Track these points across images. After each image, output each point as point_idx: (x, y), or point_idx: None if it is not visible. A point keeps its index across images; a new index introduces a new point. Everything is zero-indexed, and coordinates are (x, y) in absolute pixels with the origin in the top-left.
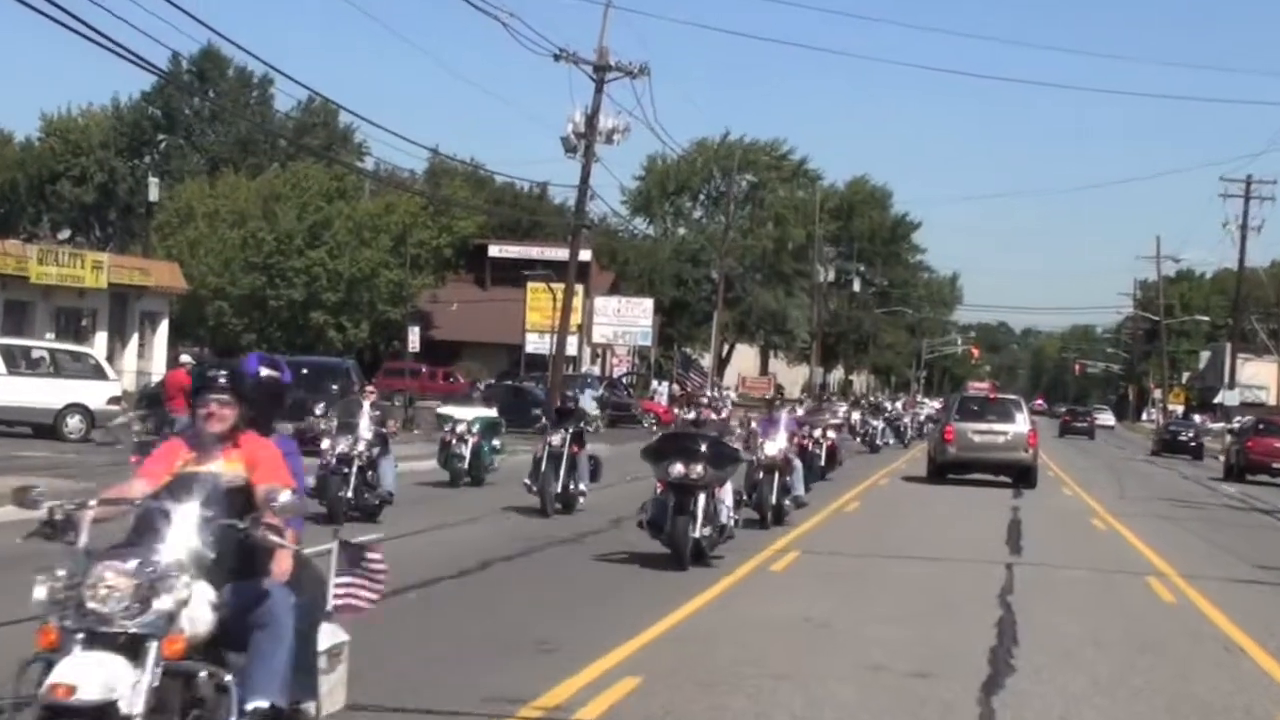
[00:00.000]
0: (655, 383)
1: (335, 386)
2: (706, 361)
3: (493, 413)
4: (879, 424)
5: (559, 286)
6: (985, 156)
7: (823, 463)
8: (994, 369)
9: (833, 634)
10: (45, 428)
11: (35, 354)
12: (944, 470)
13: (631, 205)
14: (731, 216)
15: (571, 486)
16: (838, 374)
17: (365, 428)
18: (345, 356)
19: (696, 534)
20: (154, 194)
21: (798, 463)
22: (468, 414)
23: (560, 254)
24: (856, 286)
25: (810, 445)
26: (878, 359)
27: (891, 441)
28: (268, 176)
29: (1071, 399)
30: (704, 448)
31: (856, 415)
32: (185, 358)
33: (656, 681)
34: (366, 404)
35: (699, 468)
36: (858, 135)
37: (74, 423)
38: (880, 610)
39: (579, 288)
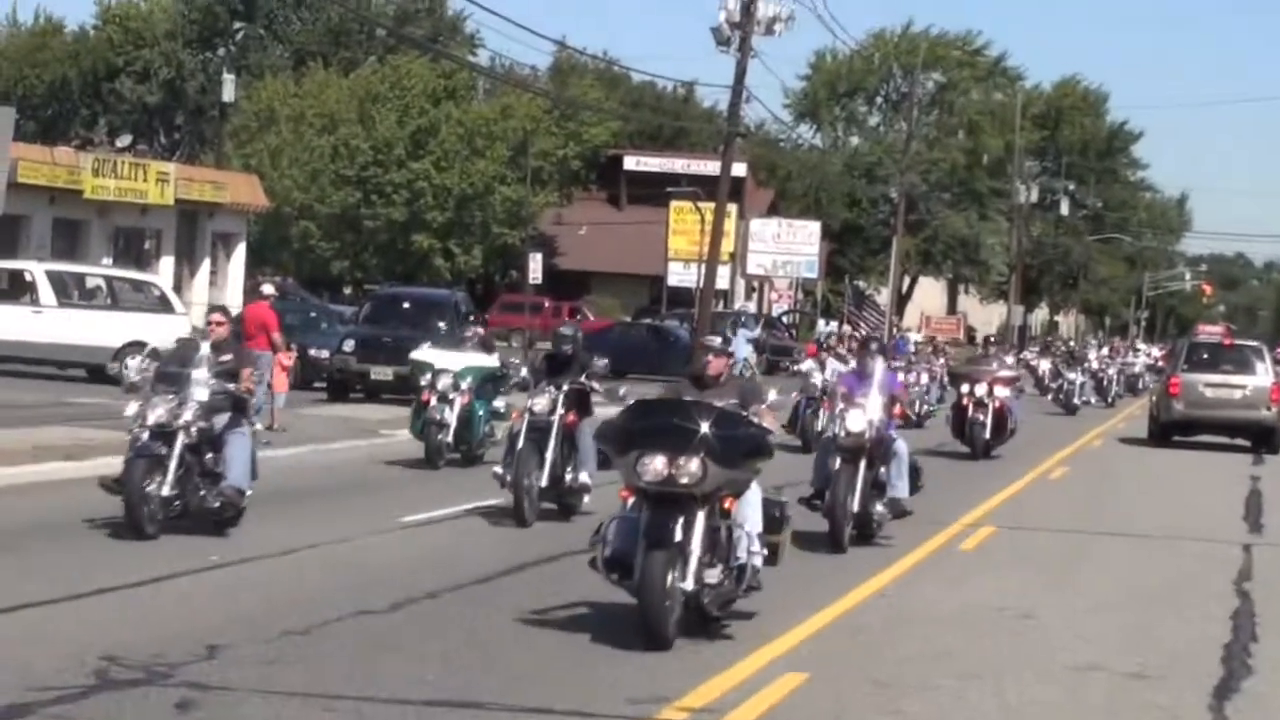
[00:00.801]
0: (822, 322)
1: (442, 323)
2: (884, 297)
3: (491, 361)
4: (1077, 377)
5: (708, 206)
6: (1222, 50)
7: (987, 434)
8: (1230, 309)
9: (1035, 626)
10: (102, 369)
11: (90, 282)
12: (1169, 431)
13: (795, 110)
14: (915, 124)
15: (568, 477)
16: (1041, 314)
17: (200, 383)
18: (454, 287)
19: (687, 584)
20: (229, 93)
21: (900, 445)
22: (453, 362)
23: (710, 167)
24: (1064, 209)
25: (971, 408)
26: (1089, 296)
27: (1093, 400)
28: (363, 73)
29: None
30: (704, 427)
31: (1046, 365)
32: (267, 288)
33: (823, 680)
34: (205, 346)
35: (692, 463)
36: (1067, 26)
37: (135, 364)
38: (1092, 598)
39: (732, 208)
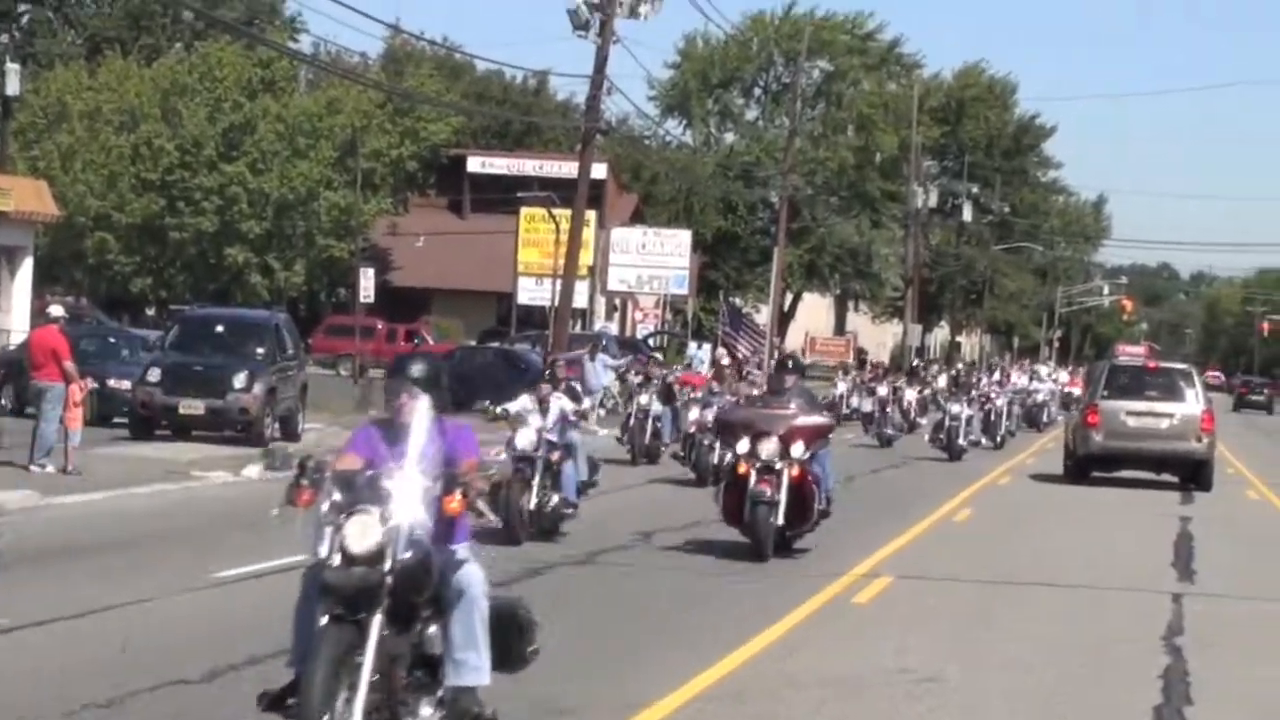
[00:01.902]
0: (693, 345)
1: (260, 349)
2: (763, 316)
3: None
4: (963, 410)
5: (563, 214)
6: (1142, 37)
7: (779, 518)
8: (1153, 327)
9: (941, 690)
10: None
11: None
12: (1087, 466)
13: (662, 103)
14: (798, 118)
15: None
16: (941, 333)
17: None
18: (274, 308)
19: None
20: (13, 85)
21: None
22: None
23: (565, 169)
24: (967, 215)
25: (753, 479)
26: (996, 313)
27: (981, 439)
28: (168, 62)
29: (1259, 368)
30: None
31: (912, 395)
32: (56, 309)
33: None
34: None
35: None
36: (969, 8)
37: None
38: (1005, 657)
39: (590, 215)
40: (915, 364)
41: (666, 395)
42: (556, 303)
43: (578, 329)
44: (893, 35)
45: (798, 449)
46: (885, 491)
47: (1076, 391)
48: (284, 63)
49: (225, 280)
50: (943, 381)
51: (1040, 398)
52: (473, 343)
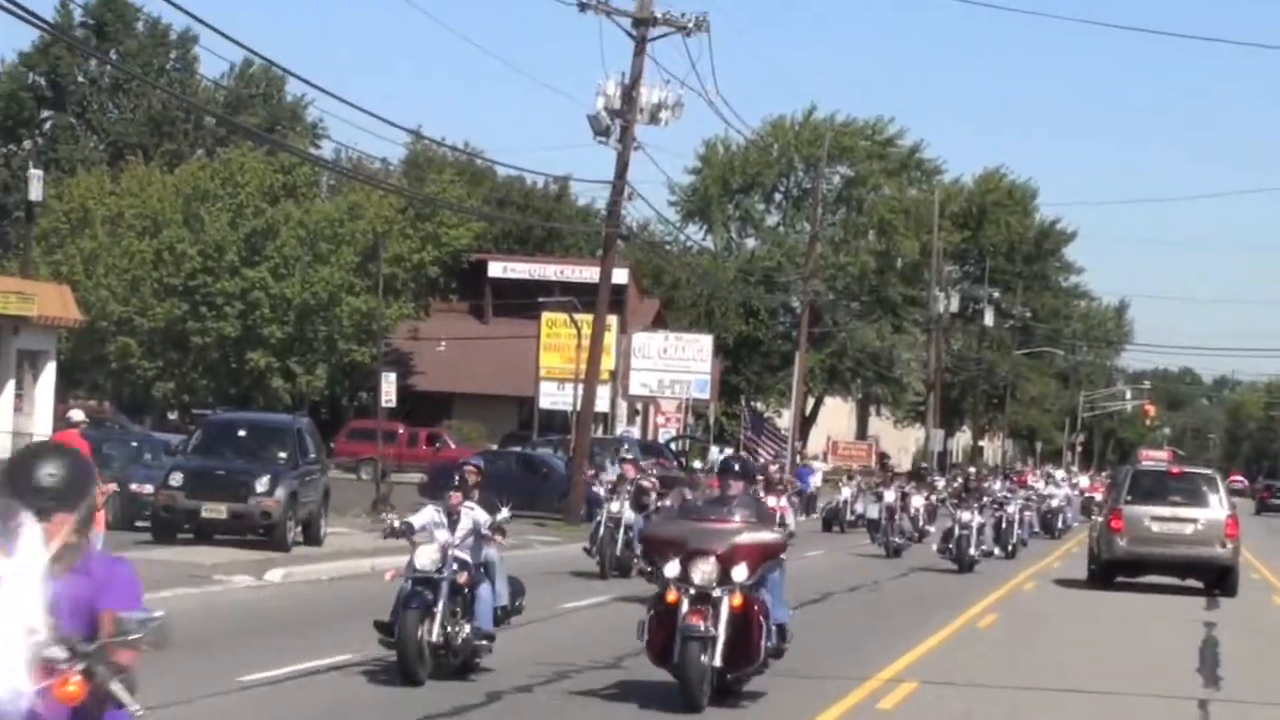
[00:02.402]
0: (715, 449)
1: (282, 453)
2: (785, 420)
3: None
4: (974, 518)
5: (585, 318)
6: (1164, 144)
7: (717, 659)
8: (1176, 432)
9: None
10: None
11: None
12: (1111, 571)
13: (683, 208)
14: (819, 223)
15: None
16: (963, 438)
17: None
18: (296, 412)
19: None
20: (36, 191)
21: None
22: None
23: (587, 274)
24: (989, 319)
25: (686, 610)
26: (1018, 417)
27: (994, 549)
28: (190, 168)
29: None
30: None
31: (918, 501)
32: (76, 414)
33: None
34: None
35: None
36: (990, 114)
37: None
38: None
39: (612, 320)
40: (921, 468)
41: (639, 502)
42: (578, 407)
43: (600, 433)
44: (913, 141)
45: (740, 572)
46: (903, 597)
47: (1098, 497)
48: (306, 168)
49: (247, 384)
50: (948, 484)
51: (1055, 503)
52: (495, 447)
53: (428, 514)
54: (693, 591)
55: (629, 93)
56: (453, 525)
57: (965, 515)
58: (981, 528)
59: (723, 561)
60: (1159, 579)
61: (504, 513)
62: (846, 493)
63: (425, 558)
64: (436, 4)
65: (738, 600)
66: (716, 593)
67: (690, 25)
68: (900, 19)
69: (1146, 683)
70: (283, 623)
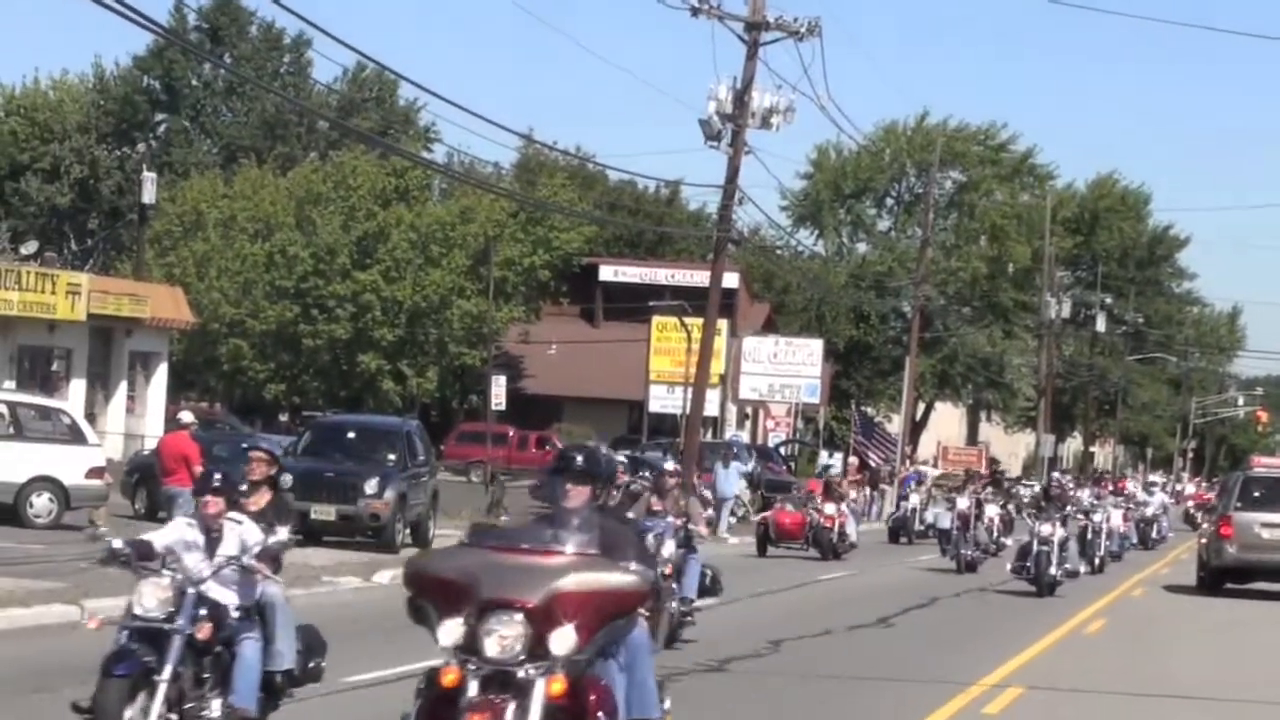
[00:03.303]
0: (825, 454)
1: (392, 455)
2: (895, 425)
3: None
4: (1055, 531)
5: (695, 322)
6: (1276, 145)
7: None
8: None
9: None
10: (3, 508)
11: None
12: (1220, 578)
13: (794, 213)
14: (930, 229)
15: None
16: (1074, 443)
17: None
18: (406, 415)
19: None
20: (149, 194)
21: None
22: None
23: (697, 278)
24: (1101, 325)
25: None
26: (1129, 423)
27: (1080, 568)
28: (302, 171)
29: None
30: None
31: (993, 510)
32: (186, 415)
33: None
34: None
35: None
36: (1103, 119)
37: (41, 502)
38: None
39: (722, 324)
40: (997, 470)
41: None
42: (688, 411)
43: (709, 437)
44: (1025, 146)
45: (563, 638)
46: (952, 629)
47: (1195, 505)
48: (417, 172)
49: (358, 387)
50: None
51: (1150, 511)
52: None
53: (176, 530)
54: (484, 669)
55: (740, 97)
56: (211, 546)
57: (1045, 528)
58: (1064, 542)
59: (536, 620)
60: (1269, 585)
61: (282, 533)
62: (915, 500)
63: (150, 598)
64: (547, 7)
65: (558, 685)
66: (524, 672)
67: (803, 30)
68: (1014, 23)
69: (1257, 690)
70: (389, 625)
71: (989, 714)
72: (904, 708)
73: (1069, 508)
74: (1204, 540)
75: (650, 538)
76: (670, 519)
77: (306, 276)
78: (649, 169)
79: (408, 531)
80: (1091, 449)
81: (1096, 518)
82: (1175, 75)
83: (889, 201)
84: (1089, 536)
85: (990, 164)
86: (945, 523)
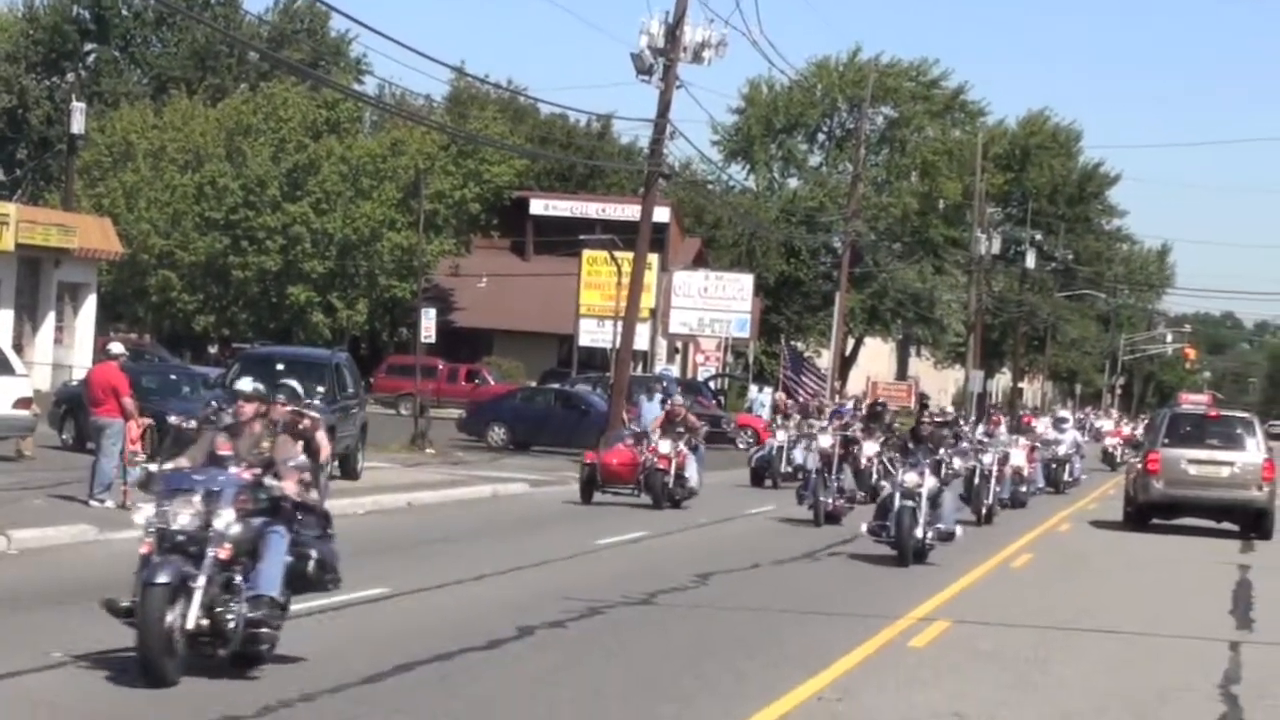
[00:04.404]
0: (754, 388)
1: (321, 387)
2: (825, 360)
3: None
4: (921, 480)
5: (625, 256)
6: (1208, 87)
7: None
8: (1216, 376)
9: None
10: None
11: None
12: (1147, 513)
13: (726, 148)
14: (861, 164)
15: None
16: (1003, 379)
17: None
18: (335, 347)
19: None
20: (78, 124)
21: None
22: None
23: (628, 212)
24: (1030, 261)
25: None
26: (1059, 360)
27: (954, 529)
28: (233, 103)
29: None
30: None
31: (872, 448)
32: (115, 346)
33: None
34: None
35: None
36: (1034, 56)
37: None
38: (1061, 705)
39: (653, 258)
40: (876, 403)
41: (690, 442)
42: (618, 345)
43: (639, 371)
44: (957, 83)
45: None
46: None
47: (1114, 442)
48: (348, 104)
49: (287, 319)
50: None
51: (1062, 451)
52: (534, 384)
53: (204, 444)
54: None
55: (673, 31)
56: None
57: (910, 477)
58: (937, 495)
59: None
60: (1195, 521)
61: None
62: (781, 437)
63: (184, 515)
64: None
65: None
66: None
67: None
68: None
69: (1179, 624)
70: None
71: (915, 646)
72: (833, 638)
73: (943, 450)
74: (1131, 475)
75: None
76: None
77: (236, 208)
78: (580, 103)
79: (336, 464)
80: (1020, 385)
81: (986, 459)
82: (1107, 12)
83: (820, 137)
84: (975, 481)
85: (922, 100)
86: (813, 463)
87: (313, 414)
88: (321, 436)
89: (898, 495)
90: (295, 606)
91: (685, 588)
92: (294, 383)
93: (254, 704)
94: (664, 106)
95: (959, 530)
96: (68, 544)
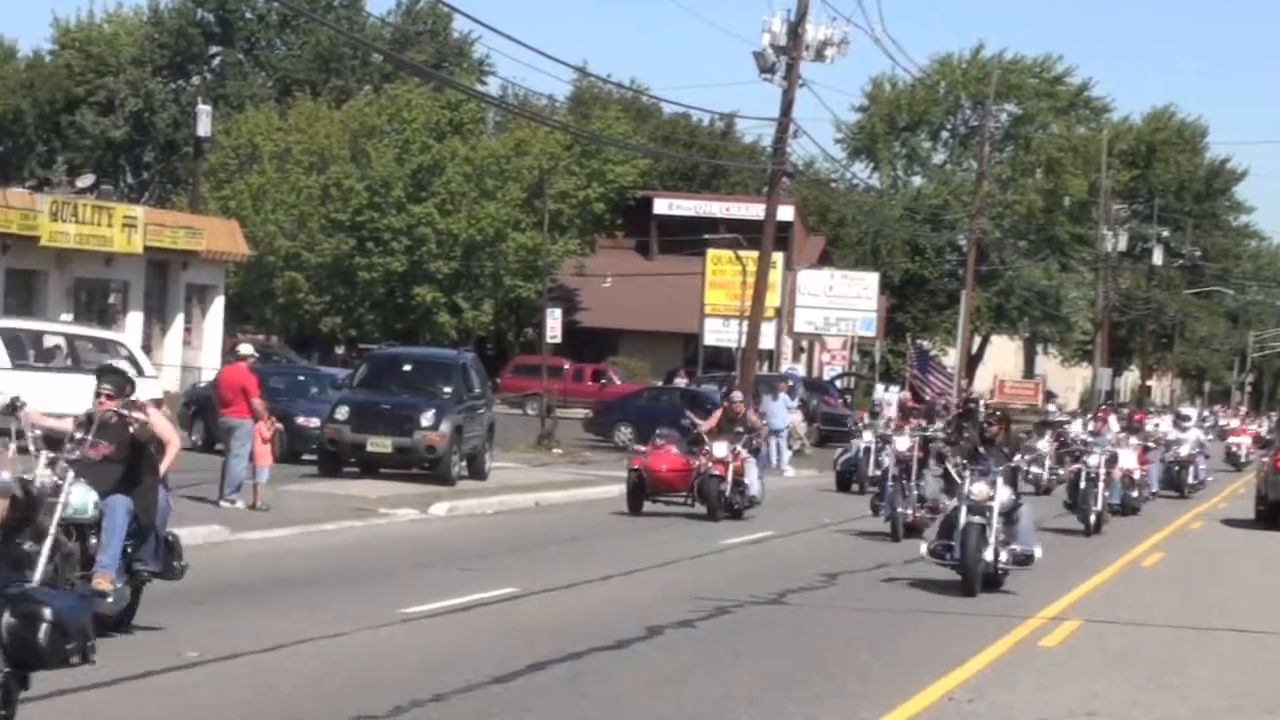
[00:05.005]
0: (880, 388)
1: (447, 388)
2: (951, 359)
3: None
4: (994, 490)
5: (750, 255)
6: None
7: None
8: None
9: None
10: (61, 440)
11: (48, 342)
12: (1277, 511)
13: (849, 146)
14: (986, 162)
15: None
16: (1131, 377)
17: None
18: (461, 347)
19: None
20: (204, 127)
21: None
22: None
23: (752, 211)
24: (1158, 258)
25: None
26: (1186, 357)
27: (1033, 550)
28: (357, 104)
29: None
30: None
31: (902, 443)
32: (245, 348)
33: None
34: None
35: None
36: (1159, 52)
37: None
38: (1196, 705)
39: (777, 257)
40: (969, 400)
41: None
42: (743, 344)
43: (764, 370)
44: (1081, 79)
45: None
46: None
47: (1239, 440)
48: (472, 105)
49: (413, 319)
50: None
51: (1185, 451)
52: (659, 383)
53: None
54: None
55: (795, 29)
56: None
57: (978, 488)
58: (1013, 510)
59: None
60: None
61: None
62: (870, 437)
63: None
64: None
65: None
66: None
67: None
68: None
69: None
70: (446, 556)
71: (1046, 646)
72: (963, 639)
73: (1020, 456)
74: (1261, 474)
75: None
76: None
77: (361, 209)
78: (703, 102)
79: (464, 463)
80: (1148, 383)
81: (1092, 461)
82: (1232, 6)
83: (944, 134)
84: (1082, 485)
85: (1046, 97)
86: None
87: (139, 415)
88: (156, 427)
89: (964, 510)
90: (423, 606)
91: (814, 587)
92: (117, 363)
93: (387, 704)
94: (787, 105)
95: (1039, 551)
96: (200, 545)
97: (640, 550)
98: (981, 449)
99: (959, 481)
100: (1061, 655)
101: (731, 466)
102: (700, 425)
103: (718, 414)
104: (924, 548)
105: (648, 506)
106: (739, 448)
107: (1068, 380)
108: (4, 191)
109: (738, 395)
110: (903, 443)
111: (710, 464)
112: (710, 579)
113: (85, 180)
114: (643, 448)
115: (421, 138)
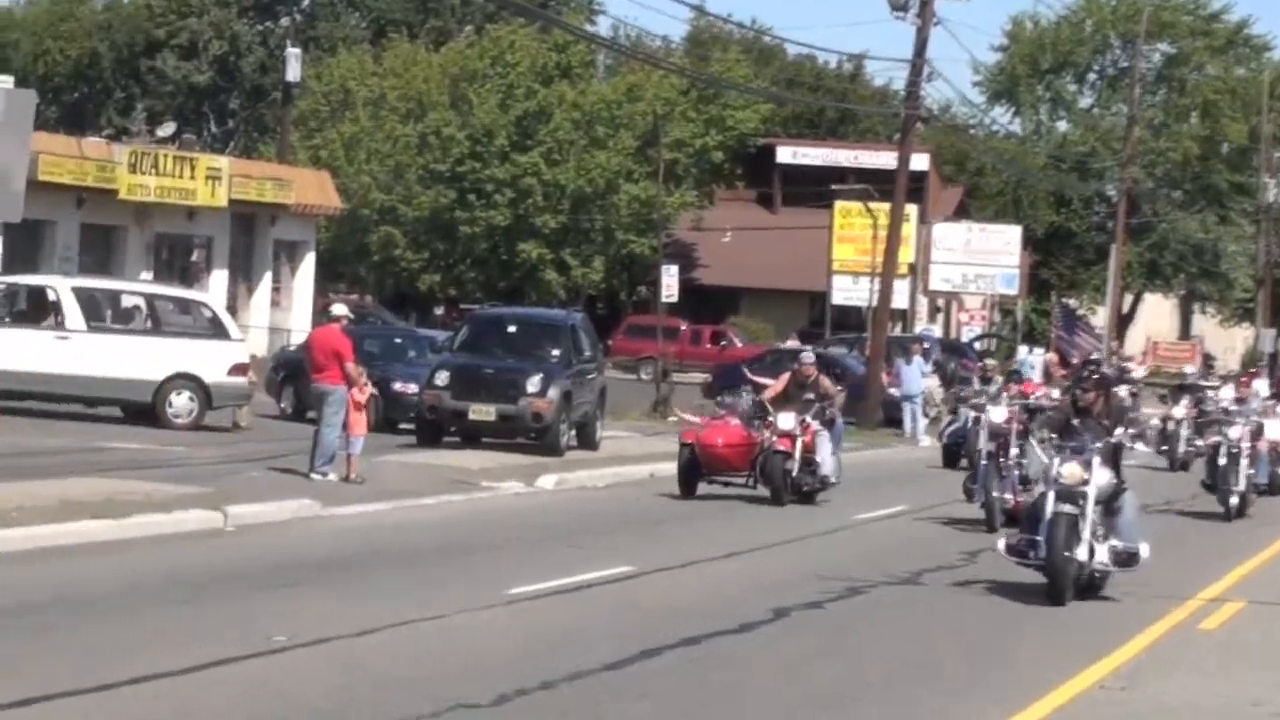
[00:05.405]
0: (1024, 349)
1: (555, 351)
2: (1100, 318)
3: None
4: (1090, 472)
5: (881, 208)
6: None
7: None
8: None
9: None
10: (142, 408)
11: (126, 302)
12: None
13: (988, 89)
14: (1137, 106)
15: None
16: None
17: None
18: (570, 307)
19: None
20: (294, 71)
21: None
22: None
23: (883, 160)
24: None
25: None
26: None
27: (1143, 549)
28: (457, 47)
29: None
30: None
31: (998, 414)
32: (339, 308)
33: None
34: None
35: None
36: None
37: (181, 401)
38: None
39: (911, 209)
40: (1088, 361)
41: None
42: (874, 303)
43: (898, 331)
44: (1240, 16)
45: None
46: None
47: None
48: (581, 47)
49: (518, 277)
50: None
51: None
52: (784, 345)
53: None
54: None
55: None
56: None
57: (1070, 468)
58: (1115, 496)
59: None
60: None
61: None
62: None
63: (1071, 474)
64: None
65: None
66: None
67: None
68: None
69: None
70: (554, 532)
71: (1206, 629)
72: (1118, 621)
73: (1123, 429)
74: None
75: None
76: None
77: (462, 159)
78: (830, 42)
79: (573, 433)
80: None
81: (1233, 433)
82: None
83: (1091, 76)
84: (1221, 461)
85: (1202, 35)
86: (987, 445)
87: None
88: None
89: (1050, 496)
90: (529, 587)
91: (953, 565)
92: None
93: (490, 692)
94: (921, 45)
95: (1145, 549)
96: (289, 520)
97: (763, 527)
98: (1075, 420)
99: (1045, 461)
100: (1222, 639)
101: (800, 441)
102: (763, 391)
103: (785, 378)
104: (1000, 543)
105: (702, 488)
106: (809, 418)
107: (1227, 341)
108: (80, 141)
109: (808, 356)
110: (998, 413)
111: (774, 438)
112: (906, 538)
113: (166, 129)
114: (696, 419)
115: (526, 82)
